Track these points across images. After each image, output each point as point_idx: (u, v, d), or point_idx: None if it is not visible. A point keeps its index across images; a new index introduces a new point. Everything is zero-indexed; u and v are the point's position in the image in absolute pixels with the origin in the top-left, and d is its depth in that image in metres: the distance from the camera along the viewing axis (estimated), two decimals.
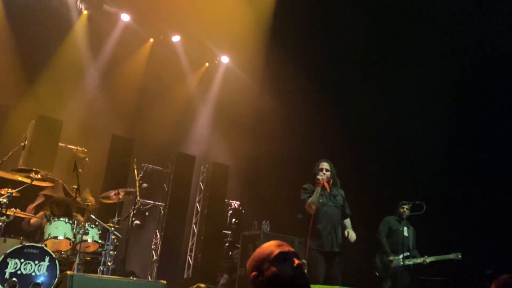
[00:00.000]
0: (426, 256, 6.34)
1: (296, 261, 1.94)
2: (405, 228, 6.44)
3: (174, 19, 9.09)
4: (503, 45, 7.18)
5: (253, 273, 1.96)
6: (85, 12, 9.05)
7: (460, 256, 6.32)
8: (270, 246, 2.00)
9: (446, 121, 7.84)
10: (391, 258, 6.20)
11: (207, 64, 10.52)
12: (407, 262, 6.19)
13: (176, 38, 9.80)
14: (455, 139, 7.69)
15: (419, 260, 6.31)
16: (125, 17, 9.17)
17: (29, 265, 4.88)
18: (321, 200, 5.09)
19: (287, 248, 1.99)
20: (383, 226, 6.58)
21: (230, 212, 9.72)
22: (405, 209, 6.49)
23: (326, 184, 5.10)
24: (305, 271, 4.93)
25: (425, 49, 8.03)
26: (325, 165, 5.27)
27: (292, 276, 1.91)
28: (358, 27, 8.23)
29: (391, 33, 8.21)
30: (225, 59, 10.42)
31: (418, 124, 8.01)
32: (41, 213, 5.85)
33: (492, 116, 7.59)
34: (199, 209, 9.64)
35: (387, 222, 6.60)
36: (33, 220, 5.81)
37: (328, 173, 5.21)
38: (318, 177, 5.14)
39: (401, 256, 6.18)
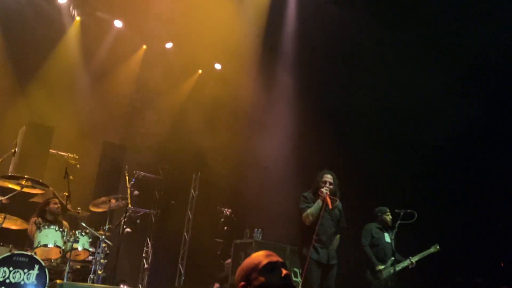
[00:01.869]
0: (410, 257, 6.32)
1: (284, 271, 1.95)
2: (386, 235, 6.42)
3: (167, 26, 9.10)
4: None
5: (242, 283, 1.96)
6: (77, 18, 9.04)
7: (438, 247, 6.35)
8: (259, 256, 2.01)
9: (437, 123, 7.90)
10: (380, 267, 6.17)
11: (200, 71, 10.53)
12: (398, 267, 6.16)
13: (169, 45, 9.80)
14: (448, 142, 7.77)
15: (406, 263, 6.28)
16: (118, 24, 9.17)
17: (18, 274, 4.81)
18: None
19: (275, 258, 2.00)
20: (366, 236, 6.39)
21: (222, 220, 9.68)
22: (390, 217, 6.47)
23: (329, 201, 4.98)
24: (300, 280, 4.93)
25: (423, 51, 8.00)
26: (328, 177, 5.15)
27: (279, 286, 1.92)
28: (352, 30, 8.29)
29: (388, 33, 8.20)
30: (218, 66, 10.44)
31: (409, 125, 8.07)
32: (33, 218, 5.79)
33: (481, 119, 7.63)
34: (190, 216, 9.60)
35: (369, 231, 6.44)
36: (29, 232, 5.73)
37: (332, 187, 5.10)
38: (323, 190, 5.03)
39: (389, 264, 6.16)
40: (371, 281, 6.23)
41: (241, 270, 2.00)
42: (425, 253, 6.36)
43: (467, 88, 7.61)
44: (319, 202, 5.01)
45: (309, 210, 5.03)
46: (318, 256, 4.96)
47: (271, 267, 1.95)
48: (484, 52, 7.27)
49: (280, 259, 2.00)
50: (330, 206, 4.99)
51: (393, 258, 6.11)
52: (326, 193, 5.02)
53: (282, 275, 1.94)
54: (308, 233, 4.99)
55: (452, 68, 7.65)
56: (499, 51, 7.20)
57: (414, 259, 6.30)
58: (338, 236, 5.33)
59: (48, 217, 5.87)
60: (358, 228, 6.61)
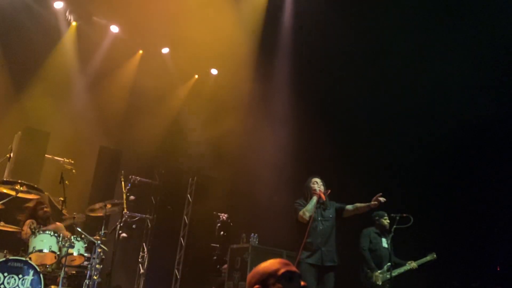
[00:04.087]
0: (412, 261, 6.34)
1: (302, 283, 1.99)
2: (383, 239, 6.43)
3: (164, 31, 9.11)
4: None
5: (256, 286, 1.98)
6: (74, 23, 9.04)
7: (435, 255, 6.36)
8: (276, 263, 2.03)
9: (435, 127, 7.91)
10: (378, 273, 6.17)
11: (196, 76, 10.55)
12: (395, 273, 6.17)
13: (165, 50, 9.81)
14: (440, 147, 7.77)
15: (408, 267, 6.29)
16: (114, 29, 9.18)
17: (12, 279, 4.78)
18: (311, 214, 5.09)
19: (293, 268, 2.03)
20: (365, 240, 6.42)
21: (218, 224, 9.66)
22: (388, 221, 6.47)
23: (322, 194, 5.16)
24: None
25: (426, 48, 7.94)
26: (317, 180, 5.35)
27: None
28: (345, 41, 8.30)
29: (382, 41, 8.21)
30: (214, 72, 10.45)
31: (407, 127, 8.07)
32: (28, 221, 5.76)
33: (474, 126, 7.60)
34: (186, 221, 9.58)
35: (367, 235, 6.47)
36: (24, 235, 5.70)
37: (322, 187, 5.29)
38: (316, 187, 5.22)
39: (385, 269, 6.15)
40: (367, 285, 6.22)
41: (256, 273, 2.01)
42: (422, 260, 6.37)
43: (476, 88, 7.47)
44: (314, 198, 5.15)
45: (304, 208, 5.13)
46: (310, 258, 4.99)
47: (289, 276, 1.97)
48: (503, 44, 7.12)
49: (297, 271, 2.03)
50: (323, 198, 5.17)
51: (389, 263, 6.12)
52: (319, 189, 5.22)
53: (301, 285, 1.97)
54: (302, 236, 5.05)
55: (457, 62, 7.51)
56: None
57: (416, 263, 6.31)
58: (350, 205, 5.28)
59: (40, 221, 5.85)
60: (354, 233, 6.62)
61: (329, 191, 5.28)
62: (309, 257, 5.00)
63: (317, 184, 5.28)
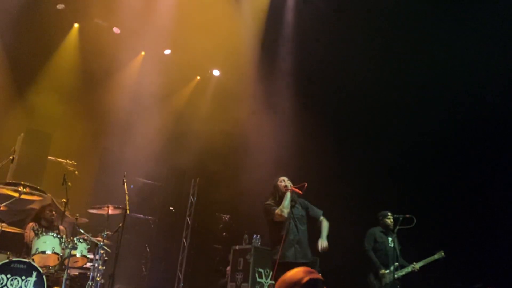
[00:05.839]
0: (414, 263, 6.32)
1: None
2: (389, 239, 6.42)
3: (166, 33, 9.12)
4: None
5: None
6: (76, 25, 9.07)
7: (443, 253, 6.36)
8: (300, 272, 2.14)
9: (438, 129, 7.88)
10: (384, 272, 6.16)
11: (198, 77, 10.55)
12: (399, 273, 6.15)
13: (167, 52, 9.82)
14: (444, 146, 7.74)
15: (410, 269, 6.28)
16: (116, 30, 9.19)
17: (16, 281, 4.79)
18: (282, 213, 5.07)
19: (316, 275, 2.13)
20: (368, 240, 6.44)
21: (221, 226, 9.67)
22: (391, 220, 6.46)
23: (295, 189, 5.14)
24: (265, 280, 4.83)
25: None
26: (285, 178, 5.35)
27: None
28: (347, 40, 8.30)
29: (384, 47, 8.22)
30: (216, 73, 10.46)
31: (403, 128, 8.05)
32: (30, 224, 5.77)
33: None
34: (189, 222, 9.57)
35: (372, 235, 6.48)
36: (26, 238, 5.72)
37: (290, 184, 5.27)
38: (287, 184, 5.21)
39: (392, 269, 6.15)
40: (374, 285, 6.21)
41: (283, 283, 2.12)
42: (430, 259, 6.36)
43: (480, 86, 7.37)
44: (287, 195, 5.12)
45: (281, 206, 5.09)
46: (283, 256, 4.99)
47: (313, 283, 2.08)
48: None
49: (321, 277, 2.14)
50: (301, 192, 5.15)
51: (396, 263, 6.12)
52: (290, 185, 5.19)
53: None
54: (275, 236, 5.06)
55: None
56: None
57: (418, 265, 6.30)
58: (324, 222, 5.28)
59: (44, 223, 5.87)
60: (359, 233, 6.61)
61: (305, 184, 5.20)
62: (282, 256, 4.98)
63: (285, 182, 5.26)
